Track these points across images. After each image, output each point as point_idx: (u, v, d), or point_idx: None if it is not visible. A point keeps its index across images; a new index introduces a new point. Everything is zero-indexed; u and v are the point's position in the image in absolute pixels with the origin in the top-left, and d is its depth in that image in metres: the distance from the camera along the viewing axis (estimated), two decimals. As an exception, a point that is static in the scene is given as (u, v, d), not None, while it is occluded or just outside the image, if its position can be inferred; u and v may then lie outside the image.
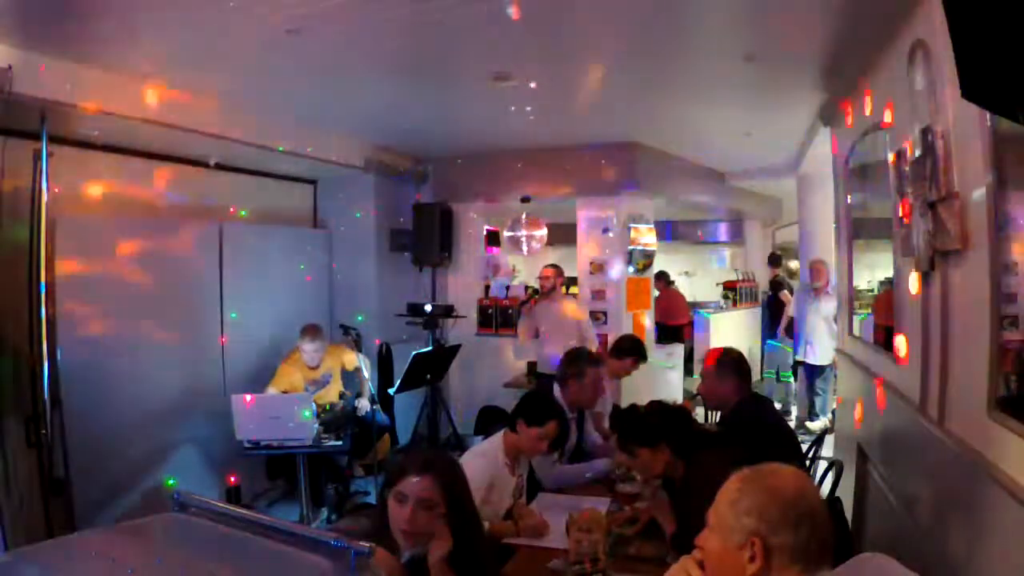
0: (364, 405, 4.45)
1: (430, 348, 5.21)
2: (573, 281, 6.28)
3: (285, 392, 4.33)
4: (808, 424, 6.05)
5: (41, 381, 3.24)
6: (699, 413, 3.99)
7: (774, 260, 7.48)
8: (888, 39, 2.60)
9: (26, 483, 3.28)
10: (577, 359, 3.25)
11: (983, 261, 1.69)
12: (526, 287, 6.96)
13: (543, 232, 6.51)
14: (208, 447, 4.41)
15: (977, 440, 1.74)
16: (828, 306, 5.79)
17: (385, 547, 1.63)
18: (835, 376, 5.38)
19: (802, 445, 3.11)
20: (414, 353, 4.67)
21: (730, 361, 2.88)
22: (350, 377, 4.72)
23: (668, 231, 9.59)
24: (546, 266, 5.29)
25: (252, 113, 4.26)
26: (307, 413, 3.78)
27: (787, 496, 1.24)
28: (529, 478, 2.79)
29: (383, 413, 4.68)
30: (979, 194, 1.72)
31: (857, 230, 3.72)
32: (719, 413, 3.12)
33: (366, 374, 4.60)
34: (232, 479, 4.25)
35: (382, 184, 5.84)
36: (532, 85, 3.83)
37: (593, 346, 4.87)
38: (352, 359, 4.68)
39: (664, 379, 6.57)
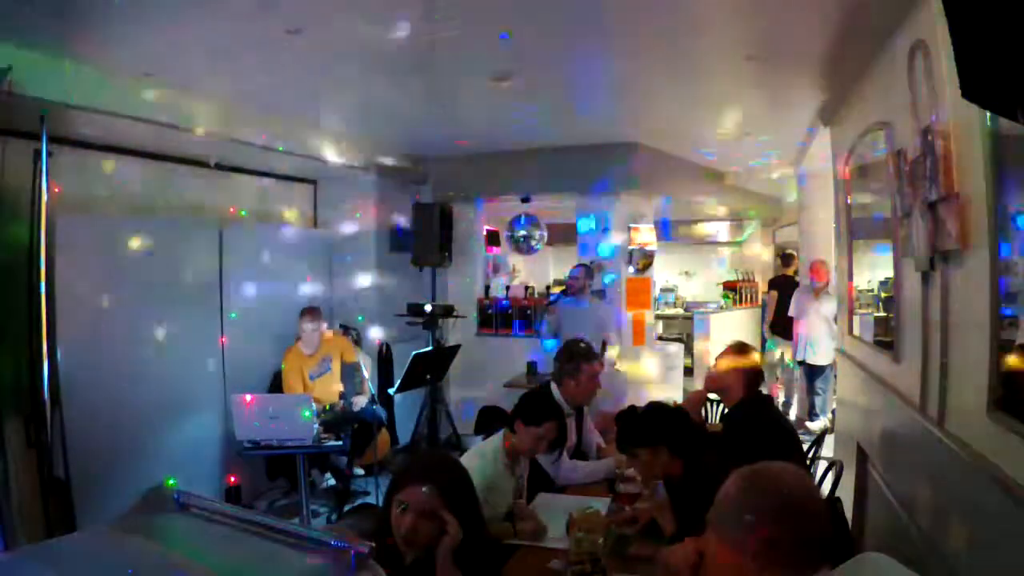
0: (360, 401, 4.46)
1: (430, 348, 5.21)
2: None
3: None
4: (808, 424, 6.05)
5: (41, 381, 3.24)
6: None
7: (785, 259, 7.46)
8: (888, 39, 2.60)
9: (26, 483, 3.27)
10: (573, 355, 3.21)
11: (983, 261, 1.69)
12: (526, 287, 6.97)
13: (543, 232, 6.53)
14: (208, 447, 4.41)
15: (977, 440, 1.74)
16: (828, 306, 5.80)
17: (387, 551, 1.63)
18: (835, 376, 5.38)
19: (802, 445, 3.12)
20: (414, 353, 4.67)
21: (747, 356, 2.91)
22: (350, 375, 4.72)
23: (668, 231, 9.59)
24: (576, 266, 5.31)
25: (252, 113, 4.26)
26: (307, 413, 3.78)
27: (784, 494, 1.24)
28: (529, 478, 2.79)
29: (381, 408, 4.69)
30: (979, 194, 1.72)
31: (857, 230, 3.72)
32: (721, 408, 3.12)
33: (366, 374, 4.61)
34: (232, 479, 4.25)
35: (382, 184, 5.84)
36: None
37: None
38: (352, 351, 4.72)
39: (664, 379, 6.57)
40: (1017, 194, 1.61)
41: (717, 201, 7.89)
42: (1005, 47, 1.14)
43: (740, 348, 2.95)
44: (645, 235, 6.07)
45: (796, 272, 6.99)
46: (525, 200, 6.30)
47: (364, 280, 5.76)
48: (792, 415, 6.44)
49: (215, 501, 1.16)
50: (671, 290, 10.03)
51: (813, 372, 6.11)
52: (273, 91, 3.95)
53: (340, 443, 4.01)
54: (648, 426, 2.34)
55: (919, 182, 2.08)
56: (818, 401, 6.09)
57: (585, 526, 2.03)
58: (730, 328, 8.29)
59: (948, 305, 2.04)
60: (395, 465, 4.98)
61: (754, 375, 2.90)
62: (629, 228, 5.89)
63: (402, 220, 5.97)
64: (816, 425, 5.90)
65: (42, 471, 3.30)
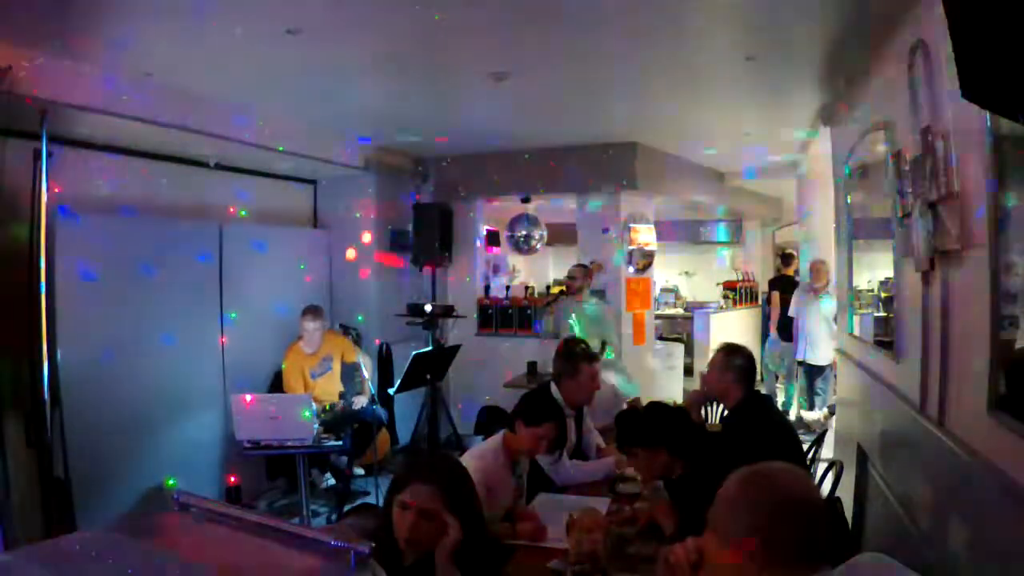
0: (360, 401, 4.46)
1: (430, 348, 5.21)
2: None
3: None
4: (804, 413, 6.05)
5: (41, 381, 3.24)
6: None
7: (785, 259, 7.48)
8: (888, 39, 2.60)
9: (26, 483, 3.28)
10: (572, 356, 3.20)
11: (983, 261, 1.69)
12: (526, 287, 6.96)
13: (543, 232, 6.52)
14: (208, 447, 4.41)
15: (977, 440, 1.74)
16: (828, 306, 5.80)
17: (388, 551, 1.63)
18: (835, 376, 5.39)
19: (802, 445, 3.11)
20: (414, 353, 4.67)
21: (736, 357, 2.89)
22: (350, 375, 4.72)
23: (668, 231, 9.60)
24: (575, 265, 5.29)
25: (252, 113, 4.26)
26: (307, 413, 3.78)
27: (784, 494, 1.24)
28: (529, 478, 2.79)
29: (381, 407, 4.69)
30: (979, 194, 1.72)
31: (857, 230, 3.72)
32: (722, 409, 3.11)
33: (366, 374, 4.60)
34: (232, 479, 4.25)
35: (382, 184, 5.84)
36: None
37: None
38: (352, 351, 4.72)
39: (664, 379, 6.57)
40: (1017, 194, 1.61)
41: (717, 201, 7.87)
42: (1005, 47, 1.13)
43: (730, 350, 2.94)
44: (645, 235, 6.07)
45: (796, 272, 7.00)
46: (525, 200, 6.30)
47: (364, 280, 5.76)
48: (792, 415, 6.45)
49: (215, 501, 1.16)
50: (671, 290, 10.03)
51: (813, 372, 6.12)
52: (273, 91, 3.95)
53: (340, 443, 4.01)
54: (648, 426, 2.34)
55: (919, 182, 2.08)
56: (818, 401, 6.11)
57: (585, 526, 2.03)
58: (730, 328, 8.29)
59: (948, 305, 2.04)
60: (395, 465, 4.99)
61: (748, 373, 2.89)
62: (629, 228, 5.89)
63: (402, 220, 5.97)
64: (812, 415, 5.90)
65: (42, 471, 3.30)
